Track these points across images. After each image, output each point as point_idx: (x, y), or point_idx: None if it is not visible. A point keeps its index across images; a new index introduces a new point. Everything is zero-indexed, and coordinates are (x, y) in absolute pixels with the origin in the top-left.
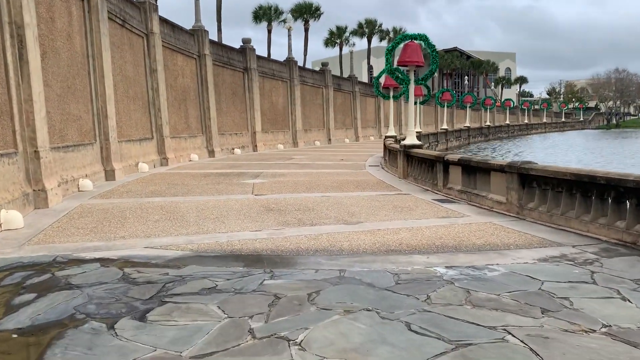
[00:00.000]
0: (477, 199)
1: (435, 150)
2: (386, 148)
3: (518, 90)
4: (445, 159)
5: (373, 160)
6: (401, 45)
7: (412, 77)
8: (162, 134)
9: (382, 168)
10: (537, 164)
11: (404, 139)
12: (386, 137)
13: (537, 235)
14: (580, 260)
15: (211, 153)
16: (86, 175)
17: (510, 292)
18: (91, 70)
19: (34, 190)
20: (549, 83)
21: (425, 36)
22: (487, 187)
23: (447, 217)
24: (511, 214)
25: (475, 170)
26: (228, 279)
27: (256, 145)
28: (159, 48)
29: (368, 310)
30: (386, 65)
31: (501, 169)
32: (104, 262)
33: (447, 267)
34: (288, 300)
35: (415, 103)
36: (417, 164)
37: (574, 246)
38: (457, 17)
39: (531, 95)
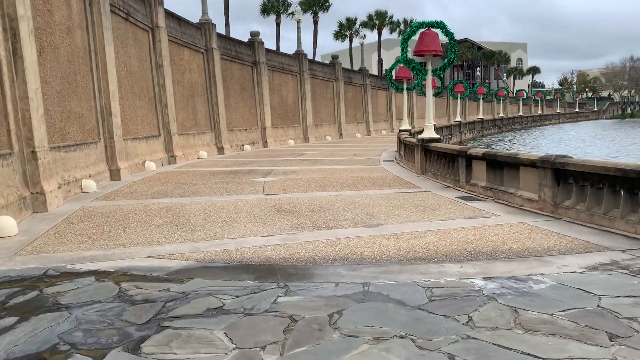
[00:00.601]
0: (504, 197)
1: (449, 143)
2: (401, 142)
3: (530, 81)
4: (468, 153)
5: (387, 155)
6: (415, 37)
7: (429, 67)
8: (169, 131)
9: (398, 163)
10: (572, 157)
11: (419, 133)
12: (400, 130)
13: (578, 238)
14: (636, 267)
15: (220, 150)
16: (90, 176)
17: (565, 310)
18: (93, 65)
19: (31, 193)
20: (561, 73)
21: (443, 23)
22: (516, 183)
23: (474, 218)
24: (544, 213)
25: (502, 166)
26: (237, 296)
27: (266, 141)
28: (164, 42)
29: (401, 337)
30: (402, 54)
31: (532, 164)
32: (99, 275)
33: (484, 278)
34: (306, 324)
35: None
36: (436, 158)
37: (623, 250)
38: (464, 8)
39: (543, 86)
